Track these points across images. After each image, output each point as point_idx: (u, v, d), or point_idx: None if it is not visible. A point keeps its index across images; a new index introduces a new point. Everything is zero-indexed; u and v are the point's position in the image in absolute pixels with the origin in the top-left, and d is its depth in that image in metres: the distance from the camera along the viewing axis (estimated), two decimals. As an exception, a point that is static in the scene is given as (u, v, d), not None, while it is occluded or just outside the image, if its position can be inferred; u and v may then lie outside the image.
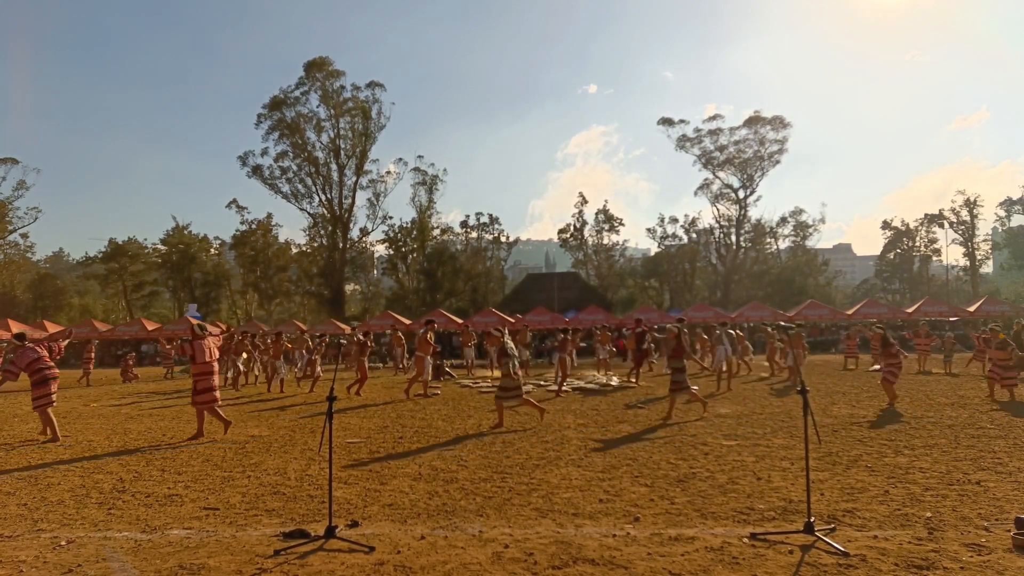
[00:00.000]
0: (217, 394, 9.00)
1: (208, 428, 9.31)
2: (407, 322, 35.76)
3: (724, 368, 14.26)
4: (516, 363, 9.35)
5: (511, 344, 9.69)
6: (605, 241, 54.14)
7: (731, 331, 15.51)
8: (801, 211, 52.15)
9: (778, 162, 51.02)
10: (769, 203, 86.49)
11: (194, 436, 8.79)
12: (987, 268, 58.18)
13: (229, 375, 16.77)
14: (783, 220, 52.50)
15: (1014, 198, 50.66)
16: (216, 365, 9.14)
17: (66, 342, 10.63)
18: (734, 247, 52.57)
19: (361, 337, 14.67)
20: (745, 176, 51.74)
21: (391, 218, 53.99)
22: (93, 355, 20.84)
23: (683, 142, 52.23)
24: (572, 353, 16.38)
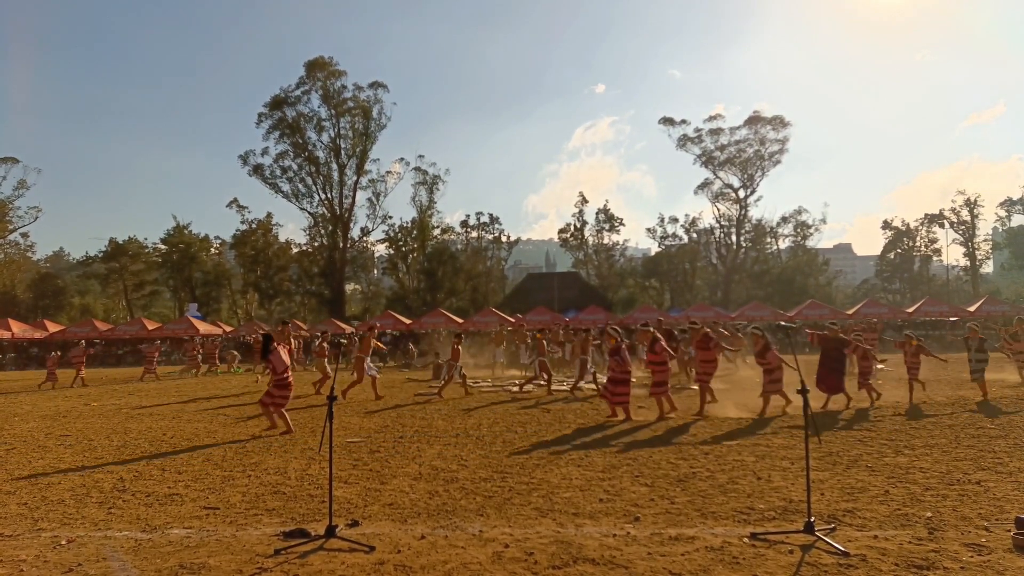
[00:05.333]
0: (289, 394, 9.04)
1: (208, 428, 9.46)
2: (407, 321, 35.80)
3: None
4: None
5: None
6: (605, 241, 54.25)
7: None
8: (801, 211, 52.28)
9: (779, 162, 51.19)
10: (772, 203, 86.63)
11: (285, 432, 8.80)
12: (987, 268, 58.25)
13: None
14: (784, 220, 52.59)
15: (1014, 198, 50.76)
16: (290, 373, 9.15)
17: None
18: (734, 247, 52.61)
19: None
20: (746, 176, 51.81)
21: (391, 218, 54.02)
22: (157, 354, 20.57)
23: (684, 141, 52.31)
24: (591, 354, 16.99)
